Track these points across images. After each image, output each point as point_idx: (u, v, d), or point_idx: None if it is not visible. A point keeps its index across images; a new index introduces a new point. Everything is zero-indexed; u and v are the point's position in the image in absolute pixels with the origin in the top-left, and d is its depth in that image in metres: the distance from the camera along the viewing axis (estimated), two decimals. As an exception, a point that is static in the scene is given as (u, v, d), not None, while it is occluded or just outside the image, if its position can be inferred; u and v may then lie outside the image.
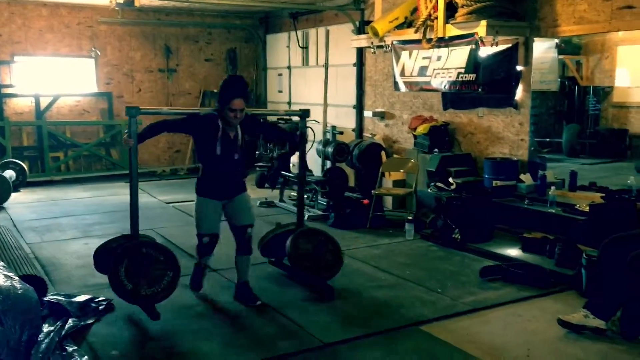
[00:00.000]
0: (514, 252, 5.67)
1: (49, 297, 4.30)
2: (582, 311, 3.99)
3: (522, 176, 6.48)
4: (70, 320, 4.00)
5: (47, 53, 10.16)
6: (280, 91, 11.26)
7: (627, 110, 10.60)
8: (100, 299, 4.49)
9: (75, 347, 3.66)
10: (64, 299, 4.34)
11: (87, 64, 10.50)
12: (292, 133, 5.20)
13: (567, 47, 7.67)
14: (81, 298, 4.44)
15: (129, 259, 4.17)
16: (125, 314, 4.34)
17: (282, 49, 11.04)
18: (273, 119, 8.84)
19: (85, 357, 3.54)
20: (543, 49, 6.68)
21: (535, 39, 6.42)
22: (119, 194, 9.13)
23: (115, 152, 10.70)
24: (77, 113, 10.51)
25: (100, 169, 10.66)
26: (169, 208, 8.10)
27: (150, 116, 5.38)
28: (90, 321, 4.13)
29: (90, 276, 5.17)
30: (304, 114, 4.90)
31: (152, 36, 10.89)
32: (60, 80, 10.30)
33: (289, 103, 10.92)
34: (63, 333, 3.80)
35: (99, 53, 10.48)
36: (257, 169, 9.68)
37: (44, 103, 10.09)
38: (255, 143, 8.74)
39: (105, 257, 4.42)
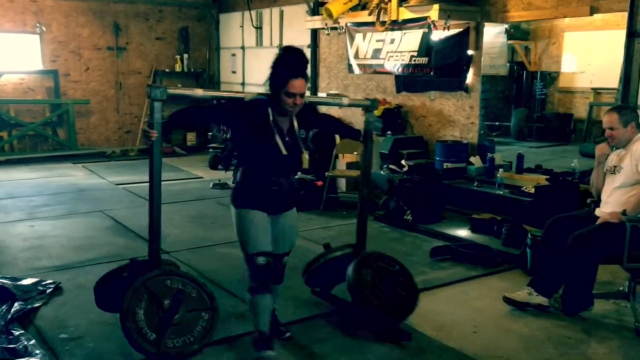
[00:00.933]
0: (463, 232, 5.82)
1: (-6, 281, 4.18)
2: (526, 289, 4.14)
3: (471, 159, 6.63)
4: (16, 304, 3.91)
5: (-11, 28, 9.74)
6: (234, 72, 11.13)
7: (572, 95, 10.95)
8: (48, 282, 4.40)
9: (22, 331, 3.58)
10: (9, 282, 4.23)
11: (32, 40, 10.11)
12: (356, 130, 3.82)
13: (517, 32, 7.85)
14: (28, 281, 4.34)
15: (151, 296, 3.08)
16: (73, 297, 4.26)
17: (235, 28, 10.90)
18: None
19: (33, 340, 3.47)
20: (493, 34, 6.81)
21: (485, 23, 6.54)
22: (66, 175, 8.90)
23: (62, 131, 10.39)
24: (21, 91, 10.14)
25: (46, 149, 10.34)
26: (119, 190, 7.95)
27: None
28: (37, 304, 4.03)
29: (36, 259, 5.06)
30: (372, 104, 3.70)
31: (100, 13, 10.56)
32: (3, 57, 9.89)
33: (243, 84, 10.82)
34: (9, 317, 3.71)
35: (44, 29, 10.11)
36: (211, 150, 9.61)
37: (-15, 80, 9.70)
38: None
39: (113, 290, 3.27)
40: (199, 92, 3.06)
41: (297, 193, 3.45)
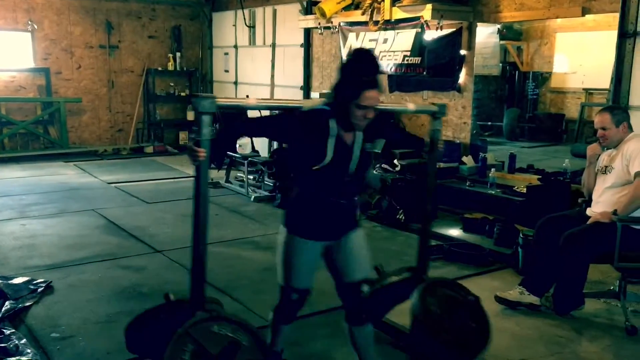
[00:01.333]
0: (455, 232, 5.83)
1: (-16, 280, 4.16)
2: (518, 288, 4.15)
3: (464, 158, 6.65)
4: (7, 303, 3.89)
5: (-20, 25, 9.68)
6: (227, 71, 11.10)
7: (563, 96, 11.00)
8: (39, 280, 4.38)
9: (13, 330, 3.56)
10: (0, 281, 4.20)
11: (24, 38, 10.04)
12: (420, 139, 3.44)
13: (509, 33, 7.88)
14: (19, 280, 4.32)
15: (197, 347, 2.56)
16: (64, 295, 4.24)
17: (228, 27, 10.87)
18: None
19: (24, 339, 3.45)
20: (486, 34, 6.84)
21: (478, 24, 6.56)
22: (58, 173, 8.86)
23: (54, 130, 10.33)
24: (12, 89, 10.07)
25: (37, 147, 10.27)
26: (111, 188, 7.92)
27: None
28: (28, 303, 4.01)
29: (28, 258, 5.03)
30: (441, 110, 3.15)
31: (92, 11, 10.51)
32: (-7, 55, 9.84)
33: (236, 83, 10.80)
34: (0, 316, 3.69)
35: (36, 27, 10.05)
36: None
37: (-24, 78, 9.64)
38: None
39: (148, 335, 2.82)
40: (252, 101, 2.56)
41: (356, 213, 2.97)
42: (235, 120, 2.87)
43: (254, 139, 8.53)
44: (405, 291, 3.10)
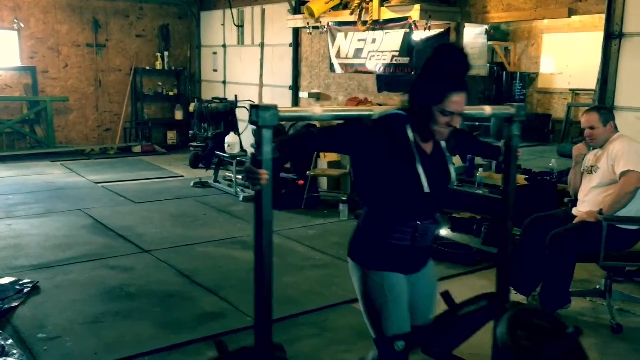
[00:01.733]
0: (443, 231, 5.85)
1: (-31, 280, 4.12)
2: (505, 287, 4.18)
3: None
4: (-8, 304, 3.86)
5: (-35, 23, 9.58)
6: (215, 70, 11.07)
7: (550, 96, 11.09)
8: (25, 281, 4.34)
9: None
10: (-15, 281, 4.17)
11: (9, 37, 9.94)
12: (495, 147, 2.93)
13: (496, 33, 7.93)
14: (4, 280, 4.29)
15: None
16: (51, 296, 4.21)
17: (216, 26, 10.84)
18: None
19: (10, 340, 3.43)
20: (473, 34, 6.86)
21: (465, 24, 6.59)
22: (44, 173, 8.80)
23: (40, 129, 10.25)
24: (-2, 88, 9.99)
25: (24, 147, 10.18)
26: (98, 188, 7.87)
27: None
28: (14, 304, 3.98)
29: (14, 258, 4.99)
30: (518, 111, 2.64)
31: (79, 9, 10.43)
32: (-21, 53, 9.74)
33: (224, 82, 10.77)
34: (-15, 317, 3.67)
35: (22, 25, 9.96)
36: (191, 148, 9.56)
37: (-39, 76, 9.54)
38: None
39: None
40: (317, 110, 2.16)
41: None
42: (300, 133, 2.41)
43: (241, 137, 8.53)
44: (480, 321, 2.68)
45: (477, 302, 2.73)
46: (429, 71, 2.27)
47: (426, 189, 2.25)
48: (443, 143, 2.38)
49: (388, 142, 2.25)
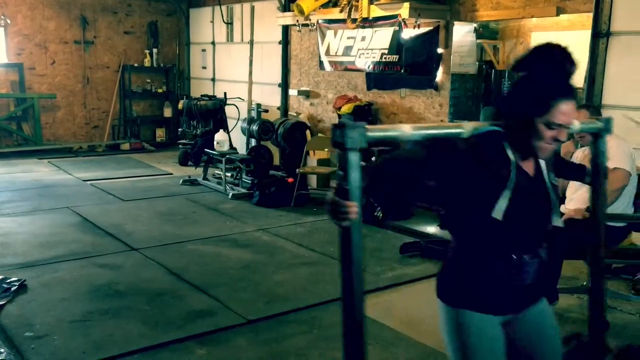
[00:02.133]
0: (432, 229, 5.88)
1: (-44, 279, 4.08)
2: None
3: (441, 156, 6.70)
4: (-21, 302, 3.83)
5: (-50, 19, 9.47)
6: (204, 67, 11.03)
7: (539, 94, 11.11)
8: (12, 279, 4.31)
9: (-14, 330, 3.51)
10: (-28, 280, 4.14)
11: (-4, 33, 9.88)
12: (580, 165, 2.83)
13: (485, 31, 7.93)
14: (-9, 279, 4.25)
15: None
16: (38, 294, 4.18)
17: (205, 23, 10.80)
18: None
19: (-3, 339, 3.40)
20: (462, 32, 6.89)
21: (455, 22, 6.61)
22: (32, 170, 8.73)
23: (27, 126, 10.17)
24: (-16, 85, 9.90)
25: (11, 144, 10.10)
26: (86, 186, 7.82)
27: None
28: (1, 302, 3.95)
29: (1, 256, 4.95)
30: (606, 125, 2.31)
31: (66, 5, 10.35)
32: (-35, 49, 9.65)
33: (213, 80, 10.73)
34: (-29, 315, 3.63)
35: (9, 22, 9.87)
36: (180, 146, 9.52)
37: (-53, 73, 9.44)
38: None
39: None
40: (407, 129, 1.89)
41: (546, 273, 2.11)
42: (390, 163, 2.00)
43: (231, 134, 8.51)
44: None
45: (569, 343, 2.49)
46: (529, 76, 1.91)
47: (527, 217, 1.94)
48: (542, 162, 2.03)
49: (484, 164, 1.90)
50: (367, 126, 1.69)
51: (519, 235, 1.95)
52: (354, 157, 1.67)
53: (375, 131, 1.77)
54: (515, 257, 1.95)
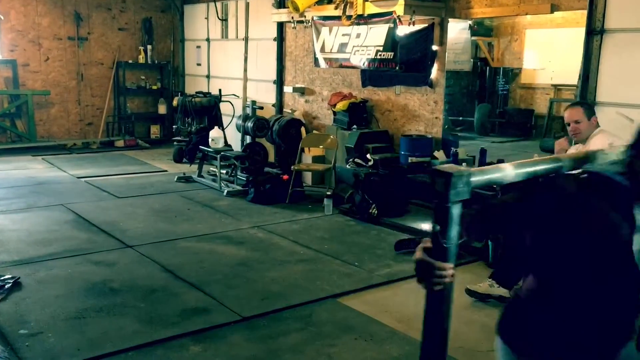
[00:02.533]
0: (426, 226, 5.89)
1: (-51, 276, 4.07)
2: (488, 281, 4.22)
3: (436, 153, 6.71)
4: (-27, 300, 3.82)
5: (-57, 15, 9.41)
6: (199, 64, 11.00)
7: (533, 91, 11.18)
8: (6, 276, 4.29)
9: (-20, 327, 3.50)
10: (-35, 277, 4.12)
11: (-11, 29, 9.82)
12: None
13: (480, 29, 7.96)
14: (-15, 276, 4.23)
15: None
16: (33, 292, 4.17)
17: (200, 20, 10.77)
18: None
19: (-9, 337, 3.39)
20: (457, 30, 6.90)
21: (450, 19, 6.61)
22: (26, 167, 8.69)
23: (21, 123, 10.12)
24: (-23, 81, 9.85)
25: (4, 141, 10.05)
26: (80, 183, 7.79)
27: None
28: (-5, 300, 3.95)
29: (-5, 254, 4.94)
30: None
31: (60, 1, 10.29)
32: (-42, 46, 9.59)
33: (208, 77, 10.71)
34: (-35, 313, 3.62)
35: (2, 18, 9.81)
36: (175, 143, 9.50)
37: (-61, 69, 9.38)
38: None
39: None
40: (509, 170, 1.69)
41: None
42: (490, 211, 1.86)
43: (226, 132, 8.50)
44: None
45: None
46: None
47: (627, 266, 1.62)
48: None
49: (593, 208, 1.62)
50: (472, 173, 1.47)
51: (619, 291, 1.67)
52: (456, 210, 1.45)
53: (478, 175, 1.54)
54: (614, 317, 1.70)
